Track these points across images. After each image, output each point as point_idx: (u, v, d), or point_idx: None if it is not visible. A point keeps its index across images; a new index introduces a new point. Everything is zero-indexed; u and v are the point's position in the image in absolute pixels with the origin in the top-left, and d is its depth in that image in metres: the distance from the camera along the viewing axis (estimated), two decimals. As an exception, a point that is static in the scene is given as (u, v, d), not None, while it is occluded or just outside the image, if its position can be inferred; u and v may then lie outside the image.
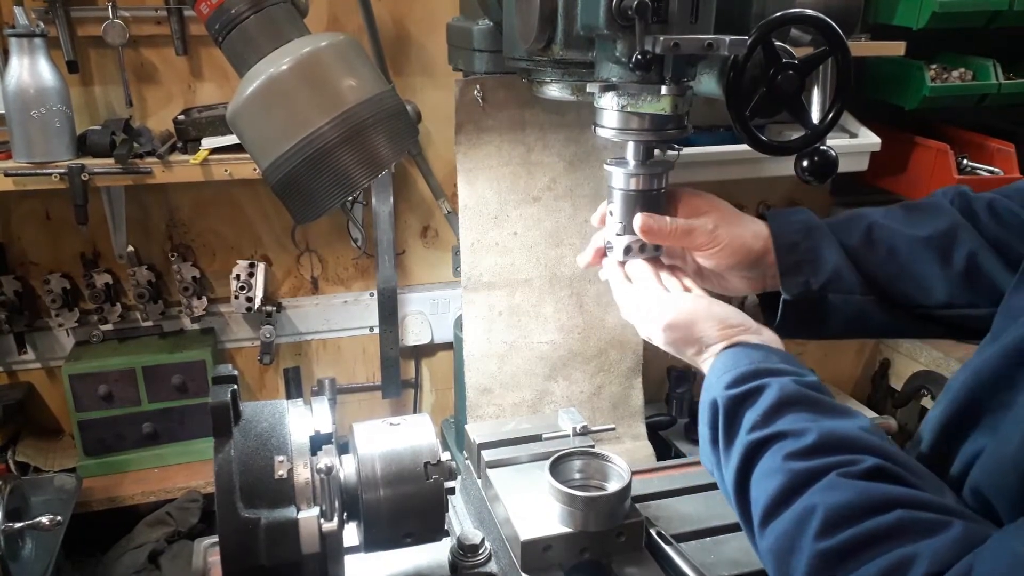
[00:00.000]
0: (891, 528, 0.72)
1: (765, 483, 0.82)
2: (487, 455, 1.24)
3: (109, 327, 2.20)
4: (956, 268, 1.04)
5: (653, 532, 1.15)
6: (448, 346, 2.44)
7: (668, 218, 1.07)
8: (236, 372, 1.04)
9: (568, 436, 1.27)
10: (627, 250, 1.09)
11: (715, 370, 0.94)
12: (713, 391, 0.92)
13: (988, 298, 1.03)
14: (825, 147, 1.12)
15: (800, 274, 1.06)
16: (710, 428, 0.92)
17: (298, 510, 0.95)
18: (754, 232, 1.08)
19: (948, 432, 0.83)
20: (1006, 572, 0.63)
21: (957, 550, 0.68)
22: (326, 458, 0.97)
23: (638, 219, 1.05)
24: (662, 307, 1.00)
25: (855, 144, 2.27)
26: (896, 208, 1.12)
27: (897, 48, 2.20)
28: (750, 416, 0.87)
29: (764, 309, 1.15)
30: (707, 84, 1.04)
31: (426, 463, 1.03)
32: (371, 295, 2.39)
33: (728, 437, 0.89)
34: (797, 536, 0.76)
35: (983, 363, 0.80)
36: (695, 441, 1.69)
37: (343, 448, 1.06)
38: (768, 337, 0.97)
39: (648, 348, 1.79)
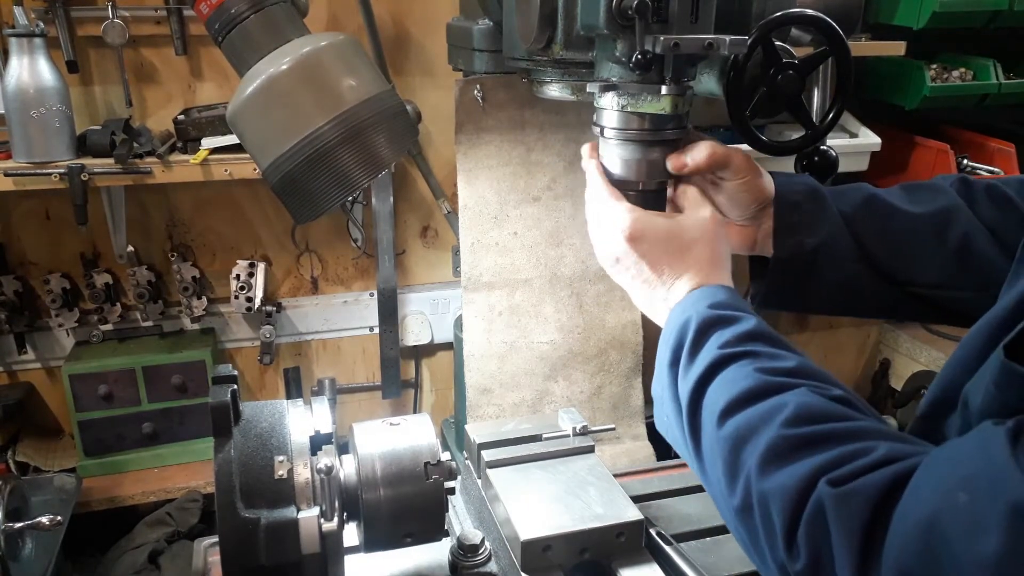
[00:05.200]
0: (858, 429, 0.72)
1: (731, 386, 0.81)
2: (487, 455, 1.24)
3: (109, 327, 2.20)
4: (949, 248, 1.04)
5: (653, 532, 1.15)
6: (448, 346, 2.44)
7: (710, 142, 1.03)
8: (236, 372, 1.03)
9: (568, 436, 1.27)
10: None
11: (694, 296, 0.92)
12: (688, 312, 0.90)
13: (977, 281, 1.03)
14: (825, 147, 1.12)
15: (796, 233, 1.05)
16: (673, 348, 0.89)
17: (298, 510, 0.95)
18: (766, 178, 1.07)
19: (957, 369, 0.81)
20: (974, 448, 0.63)
21: (918, 450, 0.69)
22: (326, 458, 0.97)
23: (671, 161, 1.02)
24: (639, 215, 0.98)
25: (855, 144, 2.28)
26: (896, 187, 1.12)
27: (897, 48, 2.21)
28: (724, 334, 0.85)
29: (753, 277, 1.14)
30: (707, 84, 1.04)
31: (426, 463, 1.03)
32: (371, 295, 2.39)
33: (694, 350, 0.87)
34: (762, 424, 0.76)
35: (995, 310, 0.79)
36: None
37: (343, 448, 1.06)
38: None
39: (648, 348, 1.80)
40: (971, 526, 0.57)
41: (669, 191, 1.06)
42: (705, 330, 0.87)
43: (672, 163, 1.02)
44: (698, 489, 1.31)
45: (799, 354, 0.84)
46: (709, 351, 0.85)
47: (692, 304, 0.91)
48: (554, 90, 1.24)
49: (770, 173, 1.09)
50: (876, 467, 0.67)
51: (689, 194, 1.03)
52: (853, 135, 2.30)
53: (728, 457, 0.77)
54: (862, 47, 2.20)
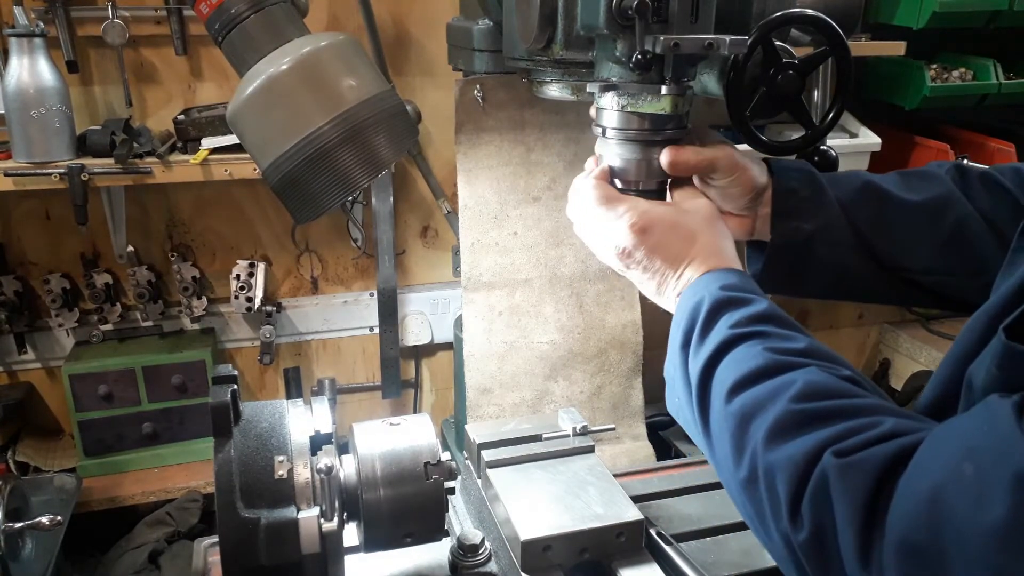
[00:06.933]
0: (865, 406, 0.73)
1: (740, 364, 0.81)
2: (487, 455, 1.24)
3: (109, 327, 2.20)
4: (943, 235, 1.05)
5: (653, 532, 1.15)
6: (448, 346, 2.45)
7: (693, 148, 1.03)
8: (236, 372, 1.03)
9: (568, 436, 1.27)
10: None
11: (705, 279, 0.93)
12: (700, 293, 0.90)
13: (971, 267, 1.04)
14: (825, 147, 1.12)
15: (793, 219, 1.06)
16: (684, 330, 0.90)
17: (298, 510, 0.95)
18: (759, 167, 1.08)
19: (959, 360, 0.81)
20: (979, 420, 0.62)
21: (924, 426, 0.69)
22: (326, 458, 0.97)
23: (665, 154, 1.02)
24: (648, 206, 0.98)
25: (855, 144, 2.28)
26: (892, 174, 1.13)
27: (897, 48, 2.21)
28: (735, 315, 0.86)
29: (751, 262, 1.14)
30: (707, 84, 1.04)
31: (426, 463, 1.03)
32: (371, 295, 2.39)
33: (705, 330, 0.87)
34: (770, 400, 0.76)
35: (992, 300, 0.79)
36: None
37: (343, 448, 1.06)
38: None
39: (648, 349, 1.80)
40: (976, 496, 0.57)
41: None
42: (716, 311, 0.87)
43: (663, 164, 1.03)
44: (698, 489, 1.31)
45: (809, 336, 0.85)
46: (720, 331, 0.85)
47: (704, 286, 0.92)
48: (554, 90, 1.24)
49: (767, 160, 1.10)
50: (882, 440, 0.67)
51: (682, 185, 1.04)
52: (853, 135, 2.30)
53: (735, 431, 0.78)
54: (862, 47, 2.21)
